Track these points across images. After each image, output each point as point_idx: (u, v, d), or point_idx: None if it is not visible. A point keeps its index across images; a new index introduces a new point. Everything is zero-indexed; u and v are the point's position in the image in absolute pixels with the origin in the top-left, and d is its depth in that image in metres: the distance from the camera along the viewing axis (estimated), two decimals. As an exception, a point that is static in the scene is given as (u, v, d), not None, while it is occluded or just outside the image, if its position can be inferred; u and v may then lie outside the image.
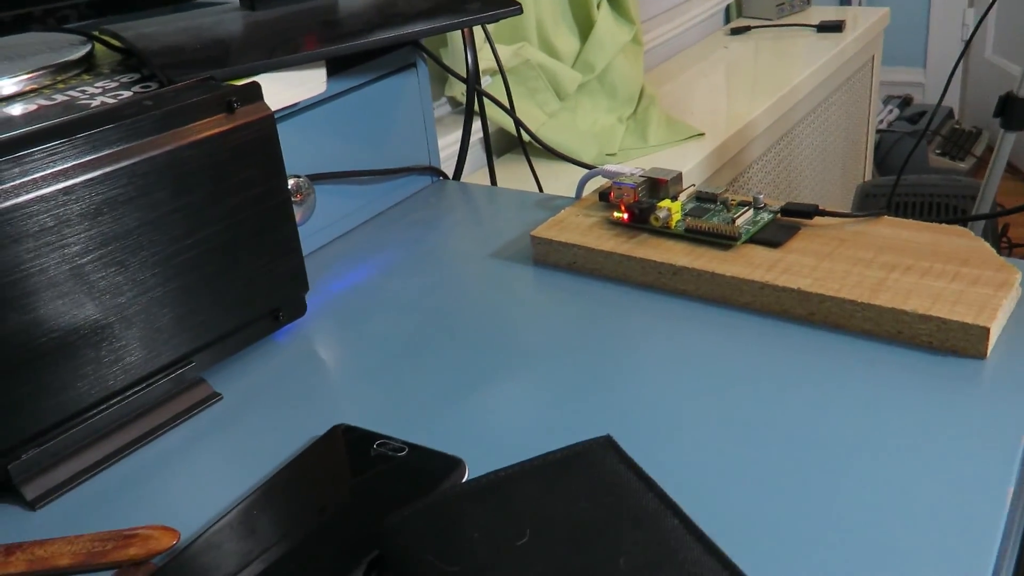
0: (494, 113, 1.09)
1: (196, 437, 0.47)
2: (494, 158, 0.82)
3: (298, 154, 0.62)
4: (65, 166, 0.42)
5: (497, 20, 0.63)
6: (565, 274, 0.59)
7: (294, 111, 0.61)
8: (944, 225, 0.56)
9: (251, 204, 0.50)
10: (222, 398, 0.49)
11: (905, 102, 2.76)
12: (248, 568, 0.37)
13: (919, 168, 2.21)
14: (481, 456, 0.42)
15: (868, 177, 2.18)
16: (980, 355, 0.46)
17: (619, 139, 1.35)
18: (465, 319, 0.55)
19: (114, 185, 0.43)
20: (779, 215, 0.58)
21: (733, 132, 1.41)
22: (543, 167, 0.98)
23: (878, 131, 2.41)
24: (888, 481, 0.39)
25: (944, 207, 1.48)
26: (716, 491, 0.39)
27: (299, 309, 0.55)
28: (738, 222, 0.56)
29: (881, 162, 2.39)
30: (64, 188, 0.41)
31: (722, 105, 1.54)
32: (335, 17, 0.63)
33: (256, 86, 0.49)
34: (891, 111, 2.65)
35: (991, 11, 1.74)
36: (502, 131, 1.34)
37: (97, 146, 0.43)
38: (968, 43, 1.33)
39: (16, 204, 0.40)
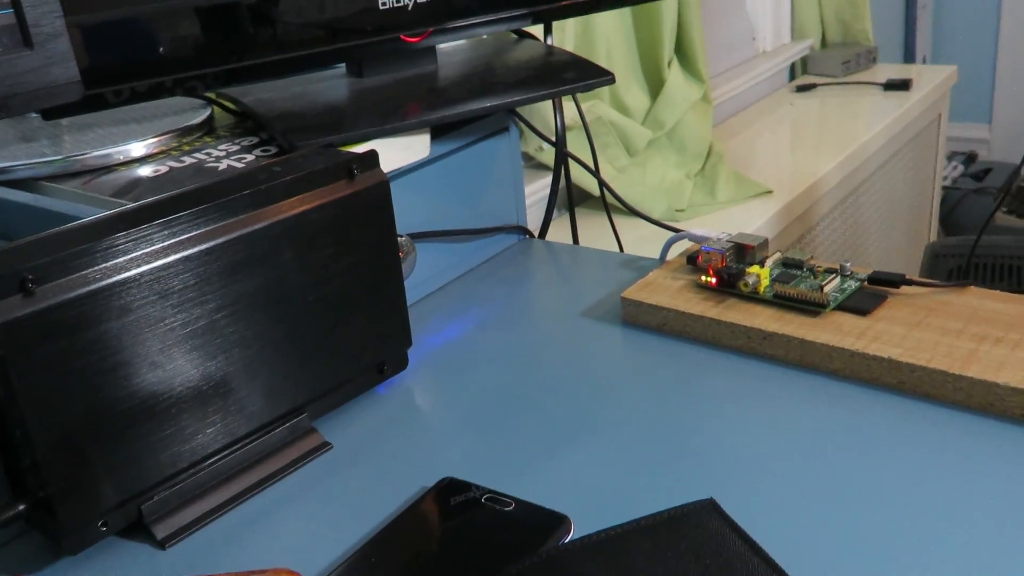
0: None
1: (310, 484, 0.49)
2: (573, 212, 0.85)
3: (399, 213, 0.65)
4: (206, 229, 0.45)
5: (591, 89, 0.66)
6: (654, 335, 0.61)
7: (397, 173, 0.65)
8: (1031, 297, 0.57)
9: (365, 263, 0.53)
10: (332, 447, 0.52)
11: (970, 158, 2.75)
12: (371, 613, 0.39)
13: (987, 227, 2.19)
14: (580, 513, 0.44)
15: (934, 235, 2.16)
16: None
17: (688, 195, 1.37)
18: (560, 376, 0.57)
19: (248, 246, 0.47)
20: (866, 283, 0.59)
21: (801, 190, 1.42)
22: (615, 219, 1.00)
23: (943, 188, 2.39)
24: (978, 555, 0.40)
25: (1019, 270, 1.47)
26: (812, 556, 0.41)
27: (402, 363, 0.57)
28: (826, 289, 0.57)
29: (946, 219, 2.37)
30: (205, 249, 0.45)
31: (789, 162, 1.56)
32: (438, 85, 0.67)
33: (374, 154, 0.52)
34: (955, 167, 2.63)
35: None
36: (575, 184, 1.37)
37: (235, 210, 0.46)
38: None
39: (165, 264, 0.43)
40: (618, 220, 1.01)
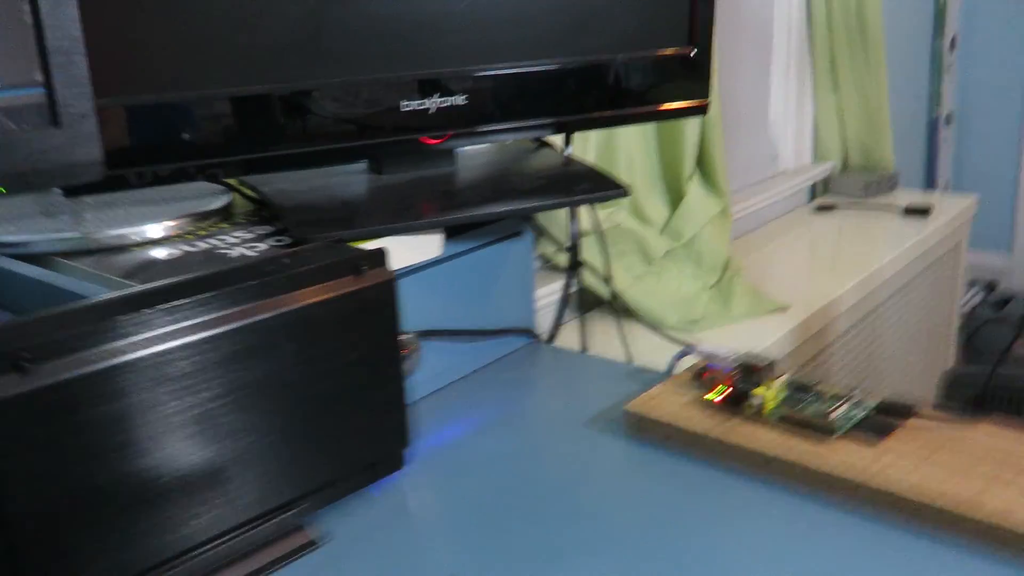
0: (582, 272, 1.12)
1: (292, 584, 0.48)
2: (583, 319, 0.85)
3: (407, 310, 0.65)
4: (209, 317, 0.45)
5: (604, 201, 0.67)
6: (657, 449, 0.59)
7: (408, 270, 0.65)
8: (1044, 437, 0.55)
9: (367, 360, 0.52)
10: (319, 546, 0.51)
11: (990, 287, 2.74)
12: None
13: (1007, 358, 2.17)
14: (570, 635, 0.43)
15: (952, 361, 2.14)
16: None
17: (702, 307, 1.37)
18: (557, 486, 0.56)
19: (250, 336, 0.46)
20: (875, 411, 0.58)
21: (816, 309, 1.41)
22: (626, 326, 1.00)
23: (962, 315, 2.38)
24: None
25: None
26: None
27: (396, 463, 0.56)
28: (833, 415, 0.56)
29: (964, 346, 2.35)
30: (206, 337, 0.45)
31: (805, 280, 1.56)
32: (454, 187, 0.68)
33: (382, 252, 0.53)
34: (975, 294, 2.62)
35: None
36: (587, 289, 1.37)
37: (239, 299, 0.46)
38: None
39: (165, 350, 0.43)
40: (629, 327, 1.01)
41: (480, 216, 0.63)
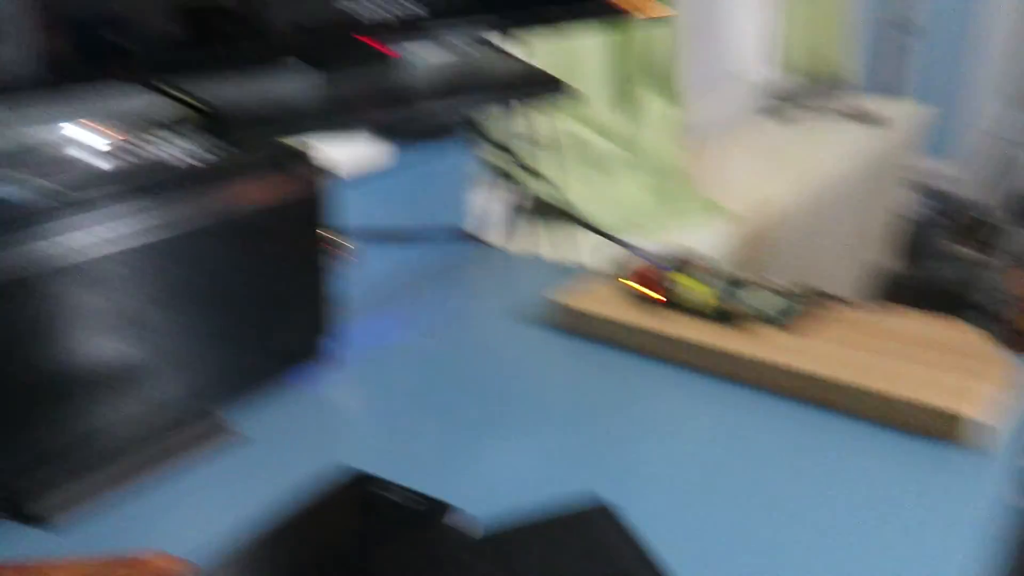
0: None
1: (218, 474, 0.50)
2: (524, 221, 0.86)
3: (347, 216, 0.66)
4: (137, 218, 0.46)
5: (547, 102, 0.68)
6: (586, 341, 0.62)
7: (347, 173, 0.66)
8: (945, 319, 0.59)
9: (293, 259, 0.54)
10: (245, 438, 0.53)
11: (940, 195, 2.79)
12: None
13: (949, 260, 2.23)
14: (483, 507, 0.44)
15: (896, 266, 2.19)
16: (968, 442, 0.49)
17: (648, 210, 1.39)
18: (481, 376, 0.59)
19: (178, 239, 0.47)
20: (796, 300, 0.61)
21: (762, 214, 1.44)
22: (571, 230, 1.02)
23: (911, 221, 2.43)
24: (862, 556, 0.42)
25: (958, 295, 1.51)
26: (707, 563, 0.42)
27: (319, 355, 0.58)
28: (753, 303, 0.59)
29: (907, 250, 2.41)
30: (133, 236, 0.46)
31: (753, 187, 1.58)
32: (395, 89, 0.68)
33: (313, 151, 0.54)
34: (925, 202, 2.67)
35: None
36: (532, 194, 1.38)
37: (167, 200, 0.47)
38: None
39: (92, 251, 0.44)
40: (575, 230, 1.03)
41: (423, 117, 0.64)
